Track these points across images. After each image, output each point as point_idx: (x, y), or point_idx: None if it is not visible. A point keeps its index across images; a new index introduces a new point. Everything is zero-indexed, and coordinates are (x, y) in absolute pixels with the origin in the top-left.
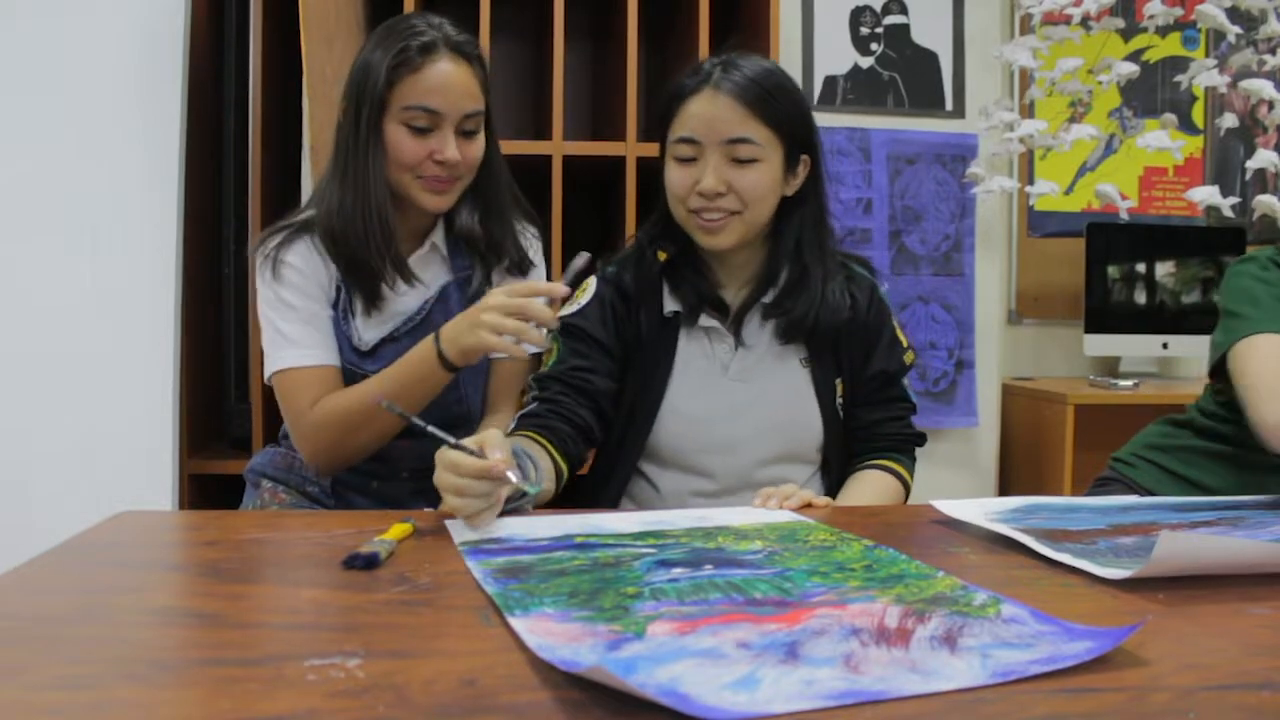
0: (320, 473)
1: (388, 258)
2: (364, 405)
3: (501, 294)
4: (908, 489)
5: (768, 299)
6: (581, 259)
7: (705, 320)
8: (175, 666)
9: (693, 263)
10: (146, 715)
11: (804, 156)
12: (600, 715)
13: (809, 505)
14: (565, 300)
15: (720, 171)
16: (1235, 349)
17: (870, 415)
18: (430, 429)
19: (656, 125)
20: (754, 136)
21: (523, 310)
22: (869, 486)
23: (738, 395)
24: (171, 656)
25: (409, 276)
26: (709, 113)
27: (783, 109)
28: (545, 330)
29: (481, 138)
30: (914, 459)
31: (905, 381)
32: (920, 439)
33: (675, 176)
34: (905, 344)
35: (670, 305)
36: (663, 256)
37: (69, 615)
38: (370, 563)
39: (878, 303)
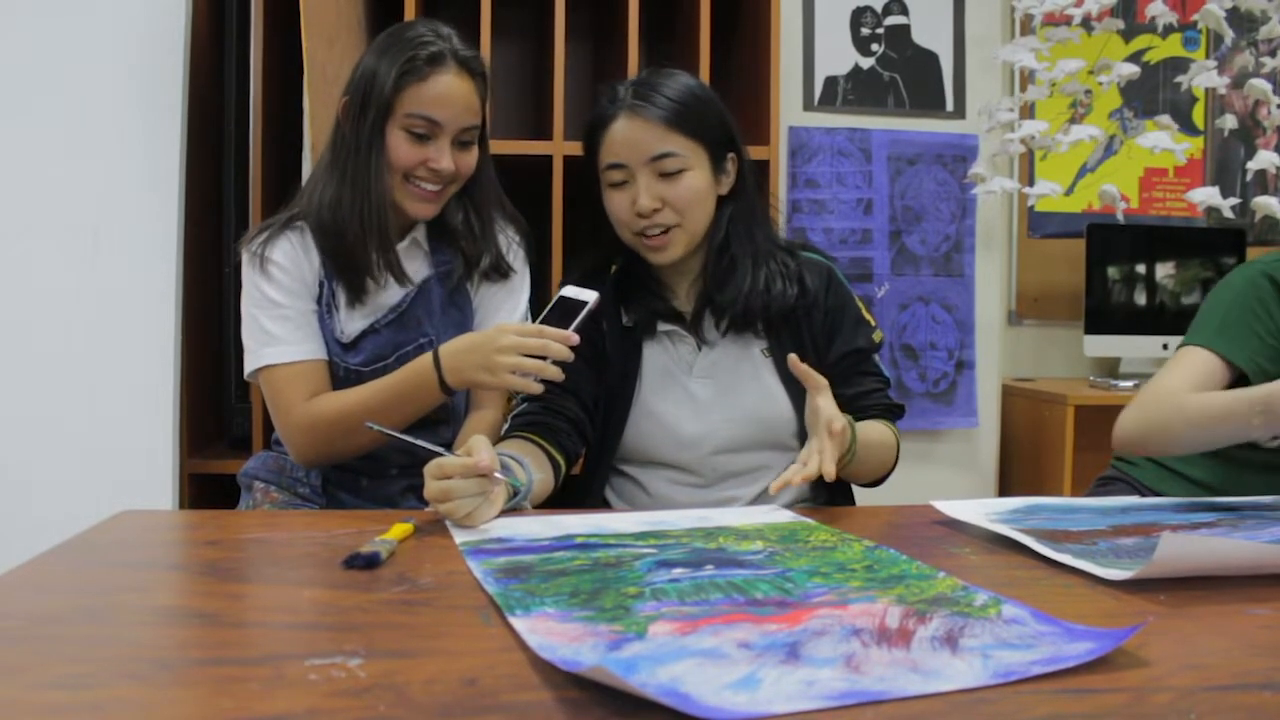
0: (307, 466)
1: (383, 256)
2: (357, 413)
3: (514, 334)
4: (899, 446)
5: (710, 296)
6: (592, 301)
7: (664, 326)
8: (176, 666)
9: (641, 276)
10: (147, 714)
11: (731, 155)
12: (601, 715)
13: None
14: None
15: (652, 188)
16: (1176, 352)
17: (847, 392)
18: (418, 443)
19: (585, 154)
20: (676, 149)
21: (542, 350)
22: (866, 425)
23: (704, 392)
24: (172, 656)
25: (401, 276)
26: (630, 135)
27: (698, 117)
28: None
29: (475, 150)
30: (896, 425)
31: (876, 359)
32: (900, 409)
33: (614, 203)
34: (873, 323)
35: (627, 318)
36: (613, 269)
37: (70, 614)
38: (371, 562)
39: (836, 286)
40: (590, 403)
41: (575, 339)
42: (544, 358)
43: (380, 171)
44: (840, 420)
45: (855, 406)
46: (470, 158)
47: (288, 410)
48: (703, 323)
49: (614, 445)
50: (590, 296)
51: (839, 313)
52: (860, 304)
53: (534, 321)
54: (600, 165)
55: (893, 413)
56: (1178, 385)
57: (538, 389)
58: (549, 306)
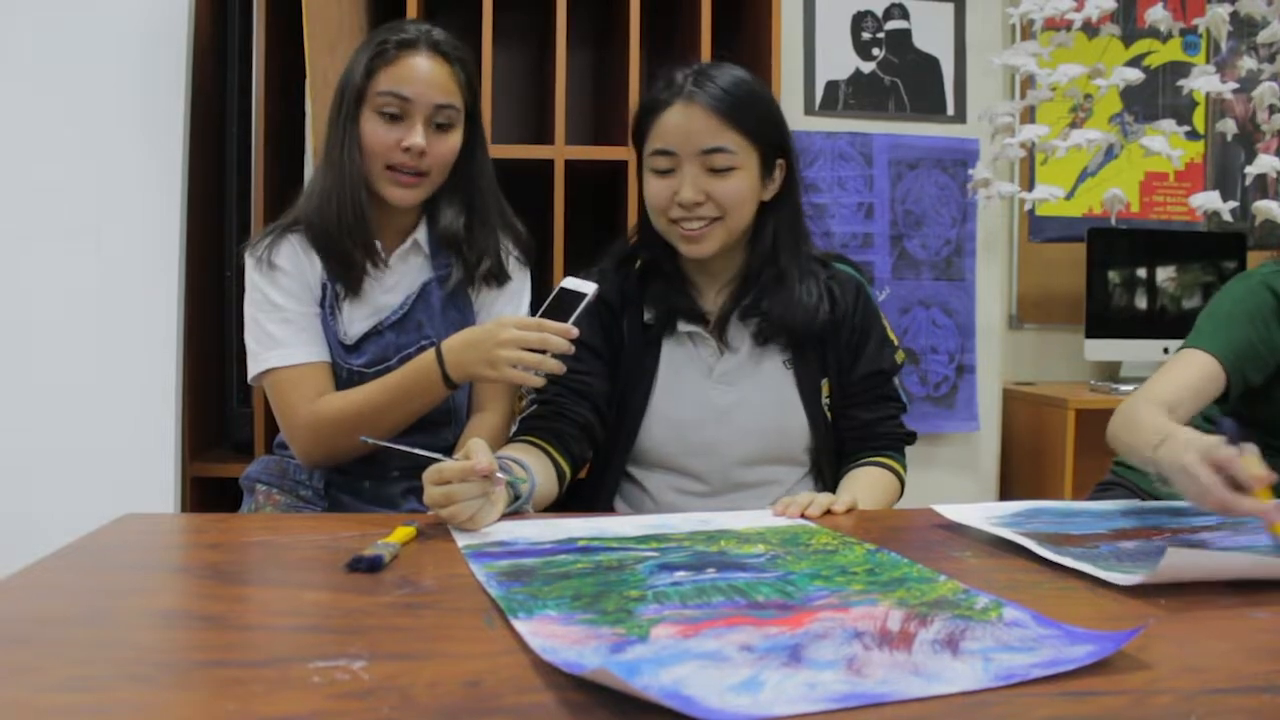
0: (312, 467)
1: (360, 243)
2: (362, 412)
3: (513, 327)
4: (902, 484)
5: (747, 302)
6: (591, 293)
7: (686, 326)
8: (180, 668)
9: (668, 272)
10: (151, 717)
11: (780, 161)
12: (604, 717)
13: (829, 512)
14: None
15: (698, 182)
16: (1174, 354)
17: (863, 415)
18: (416, 451)
19: (632, 137)
20: (729, 145)
21: (542, 344)
22: (868, 480)
23: (721, 399)
24: (176, 658)
25: (378, 260)
26: (684, 124)
27: (756, 116)
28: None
29: (456, 136)
30: (905, 455)
31: (896, 381)
32: (911, 437)
33: (654, 189)
34: (896, 343)
35: (649, 314)
36: (638, 264)
37: (74, 617)
38: (374, 565)
39: (864, 303)
40: (603, 404)
41: (575, 332)
42: (544, 351)
43: (355, 160)
44: (845, 505)
45: (868, 433)
46: (447, 142)
47: (293, 412)
48: (728, 327)
49: (626, 447)
50: (590, 288)
51: (865, 332)
52: (886, 323)
53: (535, 314)
54: (647, 149)
55: (904, 441)
56: (1165, 388)
57: (539, 382)
58: (549, 298)
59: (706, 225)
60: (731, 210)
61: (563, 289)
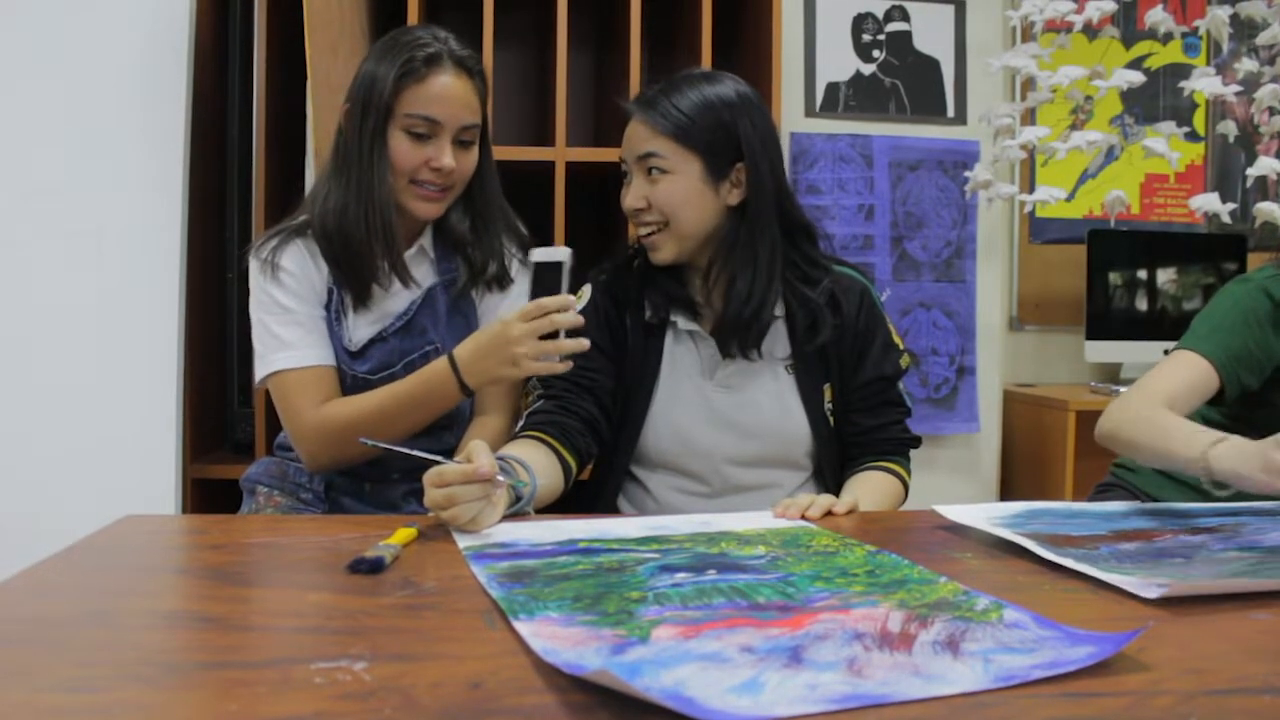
0: (317, 472)
1: (389, 260)
2: (371, 419)
3: (519, 322)
4: (906, 488)
5: (734, 309)
6: (566, 258)
7: (687, 324)
8: (182, 669)
9: (671, 270)
10: (152, 717)
11: (738, 165)
12: (605, 718)
13: (829, 514)
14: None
15: (639, 187)
16: (1169, 354)
17: (868, 421)
18: (414, 452)
19: None
20: (659, 150)
21: (552, 326)
22: (871, 484)
23: (722, 402)
24: (178, 659)
25: (406, 278)
26: (628, 135)
27: (690, 123)
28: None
29: (476, 150)
30: (909, 460)
31: (901, 385)
32: (916, 441)
33: (622, 197)
34: (901, 347)
35: (651, 313)
36: (635, 263)
37: (75, 618)
38: (375, 567)
39: (868, 308)
40: (608, 400)
41: (573, 300)
42: (555, 334)
43: (384, 175)
44: (845, 506)
45: (872, 438)
46: (471, 158)
47: (299, 416)
48: (725, 334)
49: (629, 448)
50: (562, 254)
51: (869, 336)
52: (891, 326)
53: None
54: None
55: (908, 445)
56: (1161, 388)
57: (563, 367)
58: (531, 279)
59: (656, 231)
60: (672, 213)
61: (538, 265)
